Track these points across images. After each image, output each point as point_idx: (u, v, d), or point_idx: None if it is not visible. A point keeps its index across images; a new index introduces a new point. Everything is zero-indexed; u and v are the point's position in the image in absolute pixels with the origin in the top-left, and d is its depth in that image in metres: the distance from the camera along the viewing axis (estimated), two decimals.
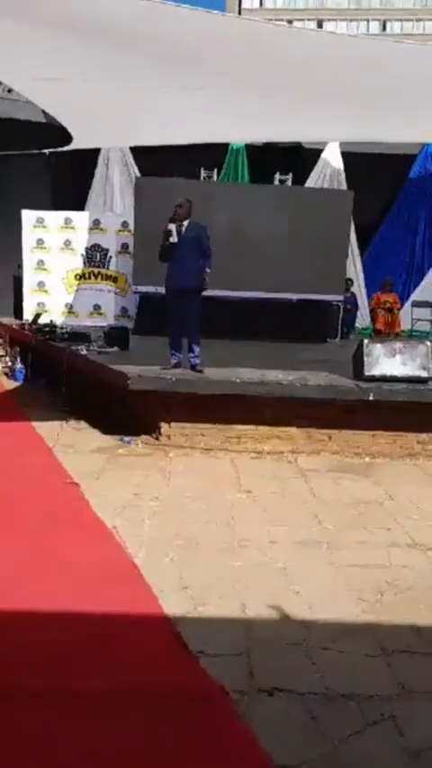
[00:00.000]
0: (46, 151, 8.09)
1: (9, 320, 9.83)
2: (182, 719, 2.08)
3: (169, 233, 5.46)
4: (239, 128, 5.84)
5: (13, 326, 9.27)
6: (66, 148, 7.23)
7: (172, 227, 5.46)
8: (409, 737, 2.09)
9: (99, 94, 4.79)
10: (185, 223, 5.50)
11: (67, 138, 6.98)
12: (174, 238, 5.45)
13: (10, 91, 14.70)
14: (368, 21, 33.41)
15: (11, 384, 8.13)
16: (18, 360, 8.42)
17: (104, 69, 4.26)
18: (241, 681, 2.30)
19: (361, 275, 11.11)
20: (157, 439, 5.49)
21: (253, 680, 2.31)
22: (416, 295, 10.98)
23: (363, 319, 10.79)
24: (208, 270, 5.60)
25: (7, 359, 8.71)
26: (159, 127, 5.72)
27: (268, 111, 4.99)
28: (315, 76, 4.12)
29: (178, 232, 5.47)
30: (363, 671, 2.46)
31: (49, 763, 1.90)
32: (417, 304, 10.66)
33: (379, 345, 5.53)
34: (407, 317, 10.48)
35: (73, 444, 5.35)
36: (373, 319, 10.32)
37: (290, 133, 6.51)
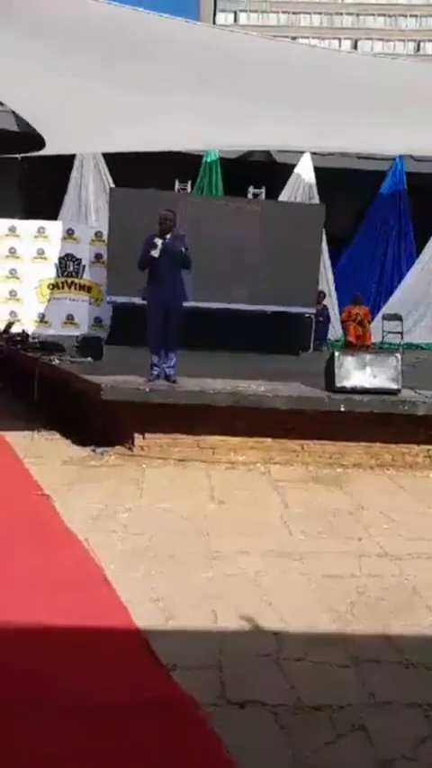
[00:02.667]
0: (18, 156, 8.04)
1: None
2: (153, 732, 2.07)
3: (154, 246, 5.42)
4: (214, 132, 5.89)
5: None
6: (39, 153, 7.20)
7: (158, 241, 5.41)
8: (380, 747, 2.11)
9: (73, 98, 4.80)
10: (168, 236, 5.49)
11: (41, 144, 6.96)
12: (156, 253, 5.42)
13: None
14: (340, 39, 34.10)
15: None
16: None
17: (79, 73, 4.27)
18: (213, 693, 2.29)
19: (333, 288, 11.27)
20: (130, 450, 5.46)
21: (225, 692, 2.31)
22: (386, 308, 11.19)
23: (335, 331, 10.93)
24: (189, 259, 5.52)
25: None
26: (132, 132, 5.75)
27: (242, 116, 5.05)
28: (287, 83, 4.19)
29: (163, 247, 5.43)
30: (334, 681, 2.47)
31: None
32: (387, 317, 10.85)
33: (350, 357, 5.61)
34: (377, 329, 10.66)
35: (44, 455, 5.28)
36: (345, 331, 10.47)
37: (261, 139, 6.59)
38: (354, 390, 5.45)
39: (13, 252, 9.67)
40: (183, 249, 5.47)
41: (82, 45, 3.96)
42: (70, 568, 3.23)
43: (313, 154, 11.14)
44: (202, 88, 4.49)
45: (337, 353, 5.63)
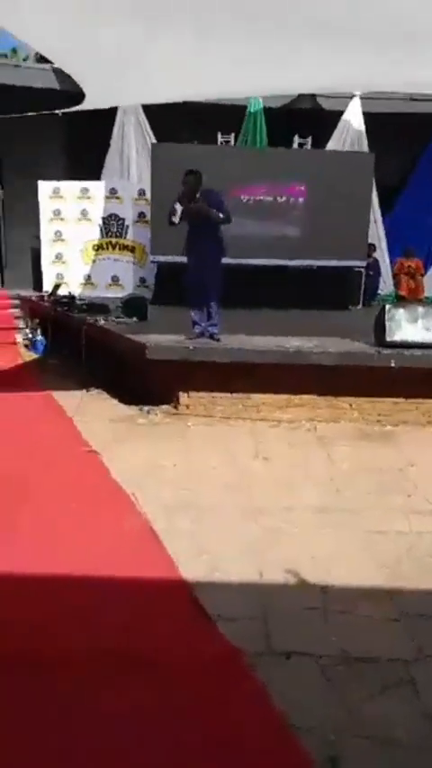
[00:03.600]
0: (59, 112, 7.96)
1: (28, 292, 9.87)
2: (199, 682, 2.11)
3: (173, 212, 5.29)
4: (256, 75, 5.59)
5: (33, 298, 9.30)
6: (79, 108, 7.08)
7: (177, 206, 5.28)
8: (427, 701, 2.08)
9: (109, 47, 4.64)
10: (198, 195, 5.34)
11: (80, 100, 6.84)
12: (176, 219, 5.30)
13: (26, 59, 14.49)
14: None
15: (31, 356, 8.19)
16: (38, 332, 8.46)
17: (112, 20, 4.11)
18: (258, 644, 2.31)
19: (383, 240, 10.84)
20: (175, 408, 5.48)
21: (270, 643, 2.32)
22: None
23: (385, 285, 10.57)
24: (221, 215, 5.36)
25: (27, 331, 8.75)
26: (174, 81, 5.54)
27: (284, 56, 4.77)
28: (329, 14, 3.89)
29: (189, 209, 5.26)
30: (380, 635, 2.45)
31: (68, 723, 1.94)
32: None
33: (401, 310, 5.40)
34: (431, 282, 10.24)
35: (92, 414, 5.37)
36: (396, 285, 10.10)
37: (306, 80, 6.21)
38: (405, 344, 5.26)
39: (57, 214, 9.71)
40: (214, 209, 5.31)
41: None
42: (118, 522, 3.30)
43: (362, 98, 10.57)
44: (239, 28, 4.24)
45: (387, 306, 5.43)
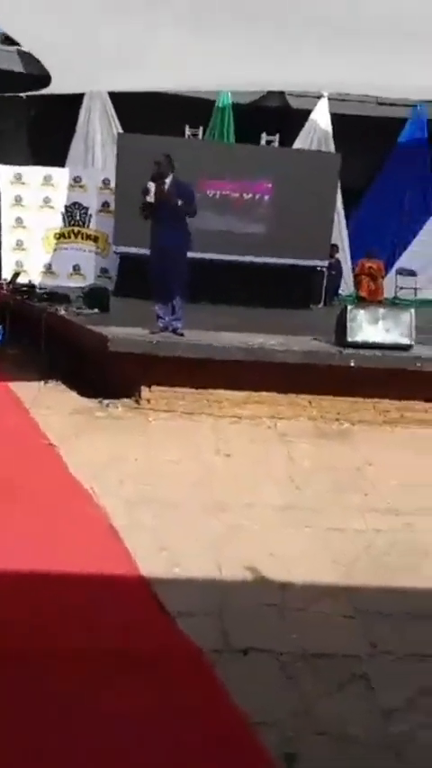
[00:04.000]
0: (23, 95, 7.74)
1: None
2: (159, 678, 2.09)
3: (146, 191, 5.26)
4: (225, 69, 5.57)
5: None
6: (43, 92, 6.90)
7: (151, 185, 5.25)
8: (382, 697, 2.12)
9: (78, 32, 4.54)
10: (168, 180, 5.31)
11: (45, 84, 6.67)
12: (150, 198, 5.25)
13: None
14: None
15: None
16: None
17: (84, 6, 4.02)
18: (217, 641, 2.31)
19: (346, 241, 10.98)
20: (137, 402, 5.42)
21: (228, 640, 2.33)
22: (401, 262, 10.92)
23: (347, 286, 10.72)
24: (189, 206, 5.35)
25: None
26: (145, 69, 5.47)
27: (256, 51, 4.77)
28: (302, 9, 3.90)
29: (160, 191, 5.28)
30: (337, 632, 2.49)
31: (28, 721, 1.89)
32: (401, 272, 10.61)
33: (362, 311, 5.48)
34: (391, 284, 10.44)
35: (51, 406, 5.26)
36: (357, 286, 10.26)
37: (274, 76, 6.21)
38: (365, 345, 5.34)
39: (18, 200, 9.45)
40: (182, 199, 5.28)
41: None
42: (76, 516, 3.24)
43: (330, 99, 10.67)
44: (210, 20, 4.22)
45: (349, 307, 5.51)
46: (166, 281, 5.47)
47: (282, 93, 10.84)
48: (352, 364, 5.26)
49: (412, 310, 5.65)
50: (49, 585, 2.58)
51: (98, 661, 2.17)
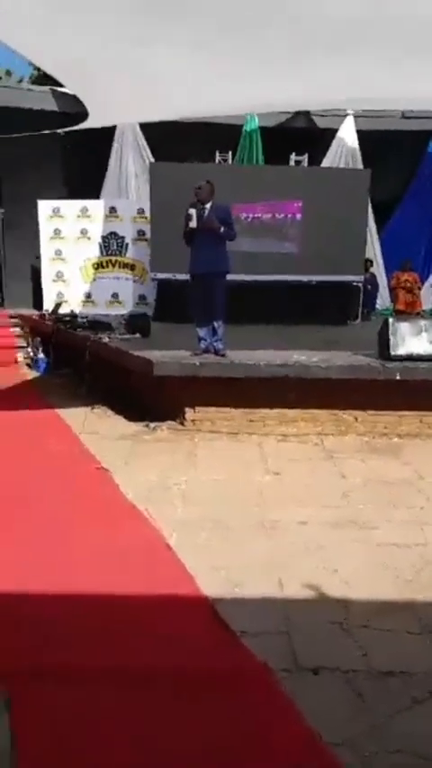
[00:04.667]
0: (61, 131, 8.08)
1: (29, 311, 9.90)
2: (228, 697, 2.09)
3: (189, 218, 5.39)
4: (252, 93, 5.69)
5: (34, 317, 9.32)
6: (80, 126, 7.19)
7: (192, 211, 5.39)
8: None
9: (113, 63, 4.72)
10: (207, 206, 5.43)
11: (80, 120, 6.95)
12: (193, 223, 5.38)
13: (20, 81, 14.64)
14: None
15: (33, 374, 8.19)
16: (39, 350, 8.46)
17: (111, 38, 4.18)
18: (285, 659, 2.29)
19: (380, 255, 10.96)
20: (182, 424, 5.48)
21: (296, 658, 2.31)
22: None
23: (383, 300, 10.66)
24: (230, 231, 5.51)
25: (29, 349, 8.76)
26: (173, 98, 5.63)
27: (280, 72, 4.85)
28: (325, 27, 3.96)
29: (200, 216, 5.40)
30: (405, 649, 2.43)
31: (97, 741, 1.91)
32: None
33: (405, 324, 5.45)
34: (428, 295, 10.33)
35: (99, 431, 5.37)
36: (394, 299, 10.19)
37: (300, 97, 6.28)
38: (409, 358, 5.31)
39: (57, 233, 9.77)
40: (222, 224, 5.39)
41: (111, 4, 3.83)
42: (134, 539, 3.28)
43: (356, 116, 10.76)
44: (238, 45, 4.33)
45: (390, 320, 5.48)
46: (207, 303, 5.56)
47: (308, 114, 11.00)
48: (398, 377, 5.22)
49: None
50: (114, 606, 2.61)
51: (168, 681, 2.18)
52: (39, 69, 16.06)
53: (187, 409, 5.47)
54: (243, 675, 2.18)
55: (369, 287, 10.08)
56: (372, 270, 10.38)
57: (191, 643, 2.37)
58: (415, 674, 2.28)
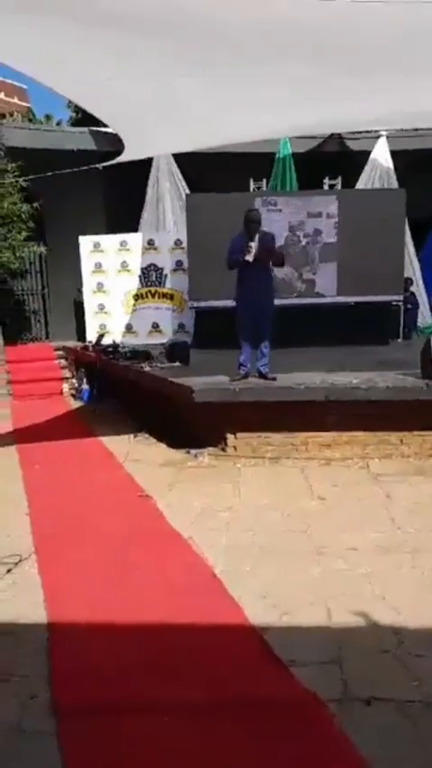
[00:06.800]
0: (100, 166, 8.38)
1: (73, 343, 10.17)
2: (279, 728, 2.05)
3: (248, 250, 5.35)
4: (286, 117, 5.75)
5: (78, 349, 9.57)
6: (117, 160, 7.45)
7: (253, 245, 5.36)
8: None
9: (145, 96, 4.87)
10: (257, 236, 5.47)
11: (118, 153, 7.20)
12: (250, 258, 5.37)
13: (59, 124, 15.22)
14: None
15: (78, 404, 8.38)
16: (84, 380, 8.66)
17: (148, 72, 4.32)
18: (336, 689, 2.24)
19: (419, 273, 10.82)
20: (223, 450, 5.49)
21: (347, 688, 2.25)
22: None
23: (424, 318, 10.50)
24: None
25: (73, 380, 8.98)
26: (207, 128, 5.75)
27: (311, 96, 4.90)
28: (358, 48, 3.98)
29: (252, 247, 5.36)
30: None
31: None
32: None
33: None
34: None
35: (142, 459, 5.43)
36: None
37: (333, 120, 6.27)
38: None
39: (98, 267, 10.06)
40: (269, 252, 5.44)
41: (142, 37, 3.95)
42: (179, 567, 3.29)
43: (389, 137, 10.78)
44: (269, 71, 4.41)
45: None
46: (256, 327, 5.60)
47: (340, 137, 11.07)
48: None
49: None
50: (162, 635, 2.61)
51: (217, 714, 2.16)
52: (76, 112, 16.84)
53: (228, 435, 5.48)
54: (294, 706, 2.14)
55: (409, 306, 9.95)
56: (411, 288, 10.25)
57: (239, 673, 2.34)
58: None
